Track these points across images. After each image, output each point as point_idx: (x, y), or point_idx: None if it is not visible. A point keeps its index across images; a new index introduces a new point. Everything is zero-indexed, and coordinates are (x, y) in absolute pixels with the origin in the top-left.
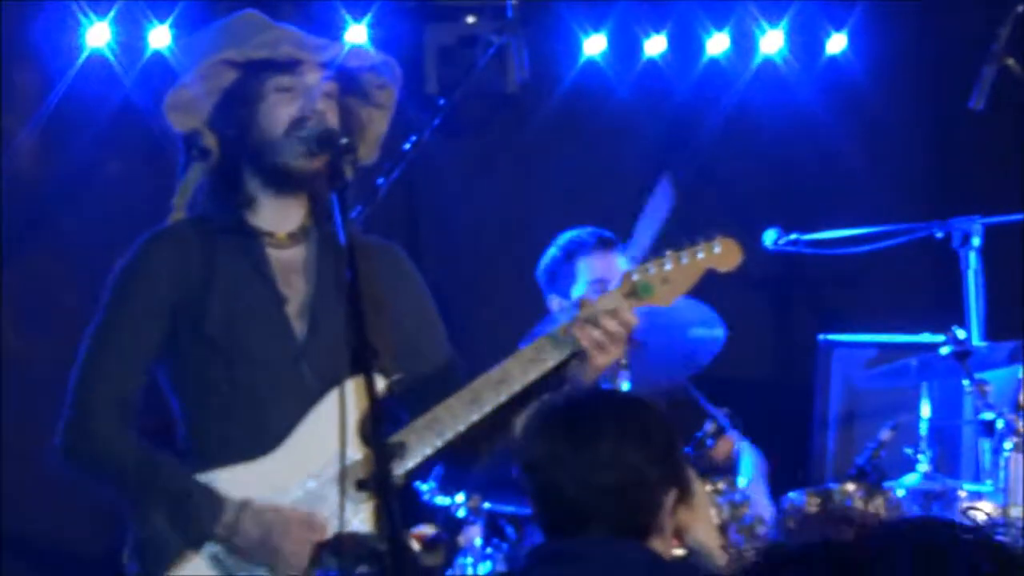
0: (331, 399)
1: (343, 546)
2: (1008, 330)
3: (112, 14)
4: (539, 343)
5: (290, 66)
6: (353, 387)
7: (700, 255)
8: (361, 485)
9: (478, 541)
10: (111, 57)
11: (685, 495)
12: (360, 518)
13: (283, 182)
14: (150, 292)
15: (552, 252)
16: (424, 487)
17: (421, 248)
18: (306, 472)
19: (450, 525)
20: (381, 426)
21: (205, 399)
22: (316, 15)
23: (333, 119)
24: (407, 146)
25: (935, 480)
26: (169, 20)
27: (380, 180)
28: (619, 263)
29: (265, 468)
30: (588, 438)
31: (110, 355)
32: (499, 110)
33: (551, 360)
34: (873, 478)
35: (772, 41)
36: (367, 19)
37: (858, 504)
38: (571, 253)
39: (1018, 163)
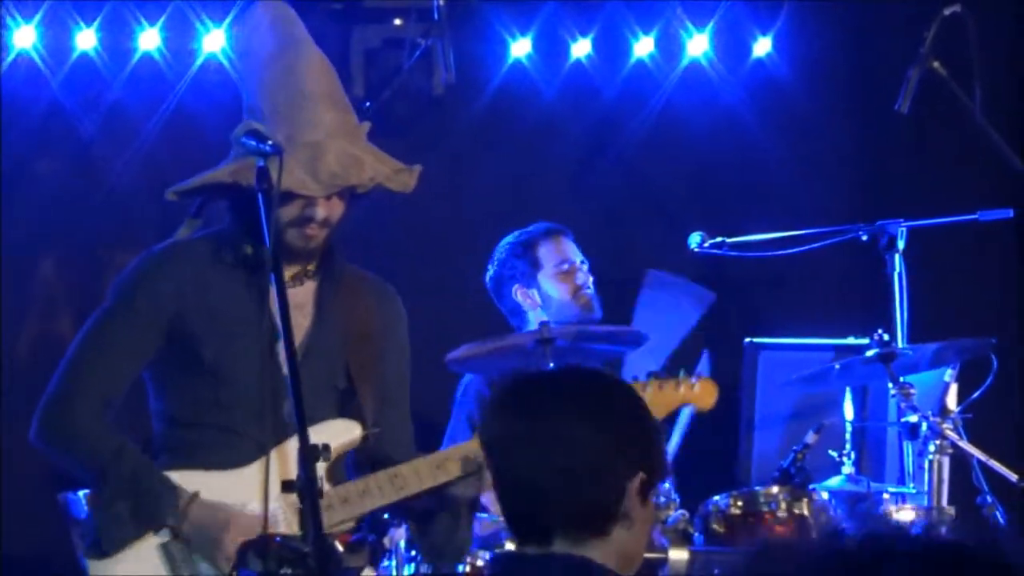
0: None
1: (267, 547)
2: (933, 333)
3: (39, 16)
4: (449, 455)
5: None
6: (331, 427)
7: (680, 388)
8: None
9: (403, 543)
10: (37, 59)
11: (655, 478)
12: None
13: (283, 251)
14: (150, 306)
15: (503, 254)
16: None
17: (346, 251)
18: (269, 494)
19: (375, 527)
20: (306, 429)
21: (188, 412)
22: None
23: (339, 210)
24: None
25: (859, 483)
26: (95, 23)
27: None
28: (575, 248)
29: (230, 481)
30: (541, 416)
31: (101, 358)
32: (425, 112)
33: (453, 473)
34: (798, 480)
35: (698, 44)
36: None
37: (783, 507)
38: (528, 245)
39: (943, 166)
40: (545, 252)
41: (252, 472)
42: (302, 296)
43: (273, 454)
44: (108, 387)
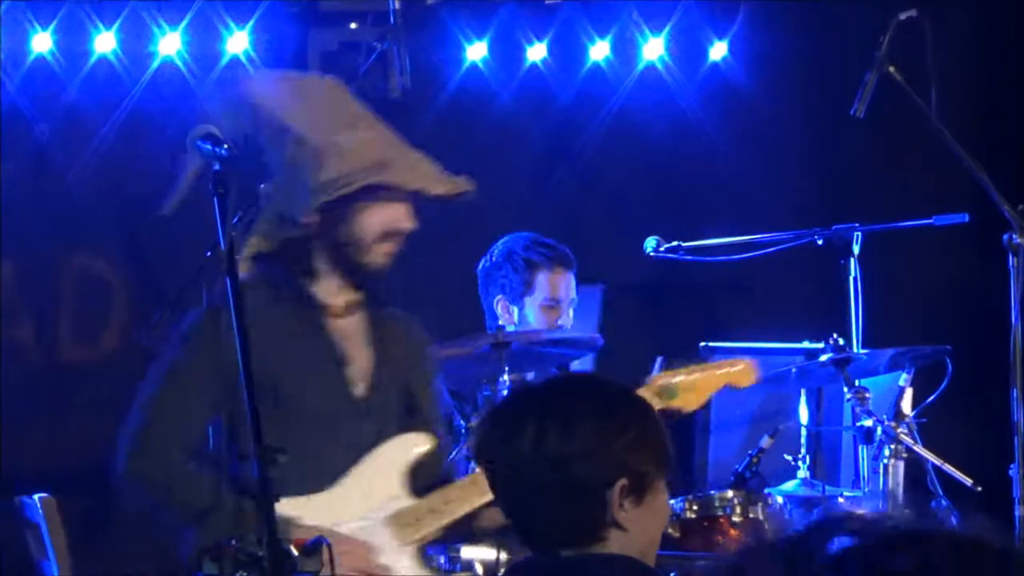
0: (382, 451)
1: (223, 552)
2: (888, 337)
3: None
4: None
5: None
6: (405, 441)
7: (721, 371)
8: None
9: None
10: None
11: (647, 477)
12: (404, 563)
13: (355, 275)
14: (215, 357)
15: (504, 254)
16: None
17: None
18: (358, 512)
19: None
20: (260, 431)
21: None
22: (200, 19)
23: (413, 223)
24: None
25: (814, 487)
26: (51, 26)
27: (263, 186)
28: (572, 284)
29: (316, 505)
30: (505, 440)
31: (174, 406)
32: (381, 116)
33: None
34: (753, 484)
35: (654, 48)
36: (250, 24)
37: (738, 511)
38: (530, 265)
39: (899, 170)
40: (543, 281)
41: (336, 494)
42: (352, 327)
43: (358, 472)
44: (186, 434)
